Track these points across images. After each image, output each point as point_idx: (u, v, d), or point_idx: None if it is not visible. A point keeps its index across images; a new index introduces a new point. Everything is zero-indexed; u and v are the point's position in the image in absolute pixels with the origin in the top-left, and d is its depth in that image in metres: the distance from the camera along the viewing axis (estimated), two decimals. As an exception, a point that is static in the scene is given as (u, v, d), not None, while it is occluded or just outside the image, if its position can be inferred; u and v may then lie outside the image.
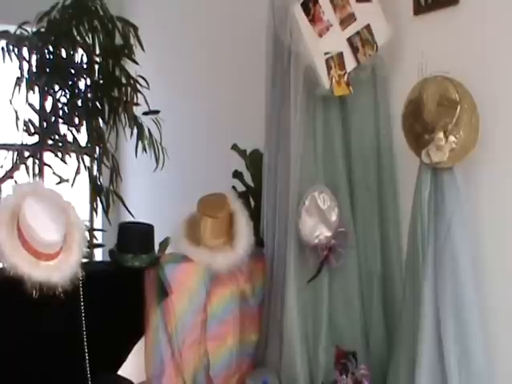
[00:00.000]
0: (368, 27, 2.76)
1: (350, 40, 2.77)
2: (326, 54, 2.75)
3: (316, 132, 2.86)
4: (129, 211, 4.51)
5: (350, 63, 2.77)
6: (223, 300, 2.83)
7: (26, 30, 4.33)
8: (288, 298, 2.75)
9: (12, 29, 4.33)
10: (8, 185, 4.34)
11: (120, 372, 2.74)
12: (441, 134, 2.30)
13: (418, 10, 2.67)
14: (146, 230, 2.87)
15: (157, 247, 2.91)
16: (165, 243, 3.06)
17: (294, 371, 2.72)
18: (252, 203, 3.33)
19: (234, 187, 3.36)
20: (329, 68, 2.75)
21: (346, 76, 2.76)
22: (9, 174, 4.37)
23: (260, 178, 3.12)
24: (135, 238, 2.80)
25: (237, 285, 2.87)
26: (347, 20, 2.76)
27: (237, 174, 3.49)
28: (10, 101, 4.23)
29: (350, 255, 2.77)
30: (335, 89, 2.76)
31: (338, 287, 2.79)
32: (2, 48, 4.22)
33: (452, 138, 2.30)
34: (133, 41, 4.40)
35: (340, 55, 2.76)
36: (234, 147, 3.50)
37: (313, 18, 2.74)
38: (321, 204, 2.73)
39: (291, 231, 2.80)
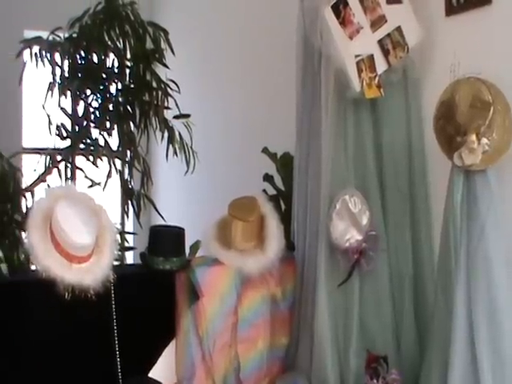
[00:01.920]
0: (399, 29, 2.74)
1: (380, 42, 2.75)
2: (356, 56, 2.74)
3: (347, 134, 2.85)
4: (160, 214, 4.53)
5: (380, 66, 2.75)
6: (254, 303, 2.83)
7: (59, 36, 4.37)
8: (319, 302, 2.74)
9: (45, 35, 4.38)
10: (41, 188, 4.38)
11: (150, 374, 2.75)
12: (473, 137, 2.27)
13: (450, 10, 2.64)
14: (177, 233, 2.87)
15: (188, 250, 2.92)
16: (195, 246, 3.07)
17: (324, 374, 2.70)
18: (283, 206, 3.32)
19: (264, 190, 3.36)
20: (359, 71, 2.73)
21: (376, 78, 2.74)
22: (41, 178, 4.41)
23: (291, 181, 3.11)
24: (166, 241, 2.81)
25: (267, 288, 2.87)
26: (378, 22, 2.74)
27: (267, 178, 3.49)
28: (43, 105, 4.28)
29: (381, 259, 2.75)
30: (366, 91, 2.74)
31: (369, 291, 2.77)
32: (35, 54, 4.27)
33: (485, 141, 2.27)
34: (163, 45, 4.43)
35: (371, 58, 2.75)
36: (265, 150, 3.50)
37: (343, 21, 2.73)
38: (352, 207, 2.72)
39: (322, 234, 2.79)
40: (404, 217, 2.79)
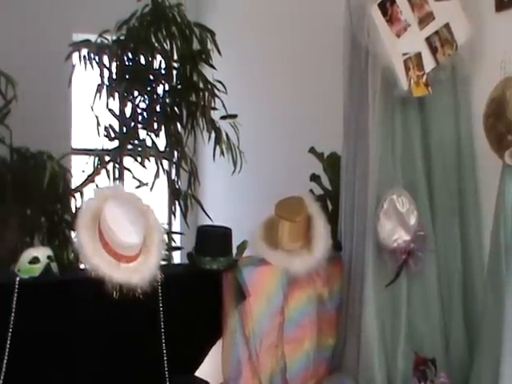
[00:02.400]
0: (447, 26, 2.71)
1: (428, 40, 2.72)
2: (404, 54, 2.71)
3: (395, 133, 2.82)
4: (207, 214, 4.55)
5: (428, 63, 2.72)
6: (300, 303, 2.82)
7: (106, 39, 4.43)
8: (366, 302, 2.72)
9: (93, 38, 4.44)
10: (90, 189, 4.44)
11: (197, 373, 2.76)
12: (525, 135, 2.23)
13: (501, 6, 2.60)
14: (224, 233, 2.88)
15: (234, 250, 2.92)
16: (242, 246, 3.07)
17: (371, 375, 2.68)
18: (329, 206, 3.30)
19: (311, 190, 3.34)
20: (407, 69, 2.70)
21: (424, 77, 2.71)
22: (90, 179, 4.48)
23: (338, 180, 3.09)
24: (213, 240, 2.82)
25: (314, 288, 2.86)
26: (426, 19, 2.71)
27: (314, 177, 3.47)
28: (91, 107, 4.33)
29: (430, 259, 2.72)
30: (414, 90, 2.71)
31: (417, 291, 2.74)
32: (84, 56, 4.33)
33: (537, 139, 2.22)
34: (210, 46, 4.45)
35: (418, 55, 2.71)
36: (312, 150, 3.49)
37: (390, 19, 2.71)
38: (399, 207, 2.69)
39: (369, 235, 2.77)
40: (453, 215, 2.75)
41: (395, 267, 2.70)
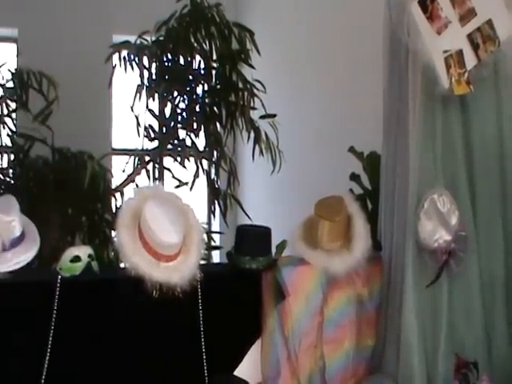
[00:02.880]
0: (489, 22, 2.66)
1: (470, 36, 2.68)
2: (444, 52, 2.67)
3: (435, 132, 2.79)
4: (246, 214, 4.56)
5: (470, 61, 2.68)
6: (340, 303, 2.81)
7: (146, 40, 4.47)
8: (406, 302, 2.69)
9: (132, 39, 4.48)
10: (130, 188, 4.49)
11: (236, 372, 2.76)
12: None
13: (545, 1, 2.55)
14: (264, 233, 2.88)
15: (274, 250, 2.92)
16: (282, 246, 3.06)
17: (411, 376, 2.65)
18: (369, 206, 3.28)
19: (351, 190, 3.32)
20: (448, 66, 2.67)
21: (466, 74, 2.67)
22: (130, 178, 4.52)
23: (377, 180, 3.07)
24: (253, 240, 2.82)
25: (354, 288, 2.84)
26: (467, 16, 2.67)
27: (354, 177, 3.45)
28: (131, 108, 4.37)
29: (471, 260, 2.68)
30: (455, 88, 2.68)
31: (458, 293, 2.70)
32: (124, 57, 4.38)
33: None
34: (249, 45, 4.46)
35: (459, 53, 2.68)
36: (351, 149, 3.47)
37: (430, 16, 2.67)
38: (440, 207, 2.66)
39: (409, 234, 2.74)
40: (495, 215, 2.71)
41: (436, 268, 2.67)
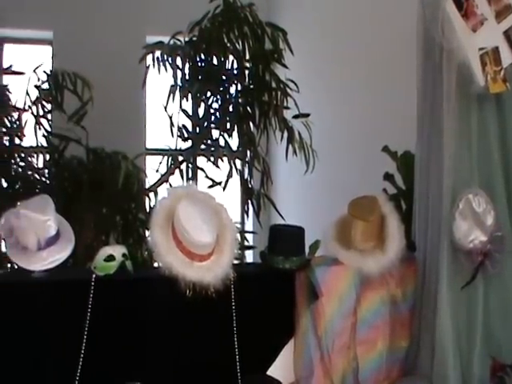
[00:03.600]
0: (527, 18, 2.63)
1: (506, 33, 2.64)
2: (480, 49, 2.64)
3: (471, 132, 2.76)
4: (279, 214, 4.56)
5: (506, 58, 2.65)
6: (373, 304, 2.79)
7: (179, 40, 4.49)
8: (440, 303, 2.66)
9: (166, 39, 4.51)
10: (163, 188, 4.51)
11: (269, 372, 2.76)
12: None
13: None
14: (297, 233, 2.87)
15: (307, 250, 2.91)
16: (315, 246, 3.06)
17: (446, 378, 2.62)
18: (403, 206, 3.26)
19: (384, 190, 3.30)
20: (483, 64, 2.64)
21: (502, 72, 2.64)
22: (164, 178, 4.55)
23: (411, 179, 3.04)
24: (286, 240, 2.81)
25: (387, 289, 2.82)
26: (503, 12, 2.63)
27: (388, 176, 3.43)
28: (165, 108, 4.40)
29: (508, 261, 2.65)
30: (491, 86, 2.64)
31: (495, 294, 2.67)
32: (157, 58, 4.40)
33: None
34: (282, 45, 4.45)
35: (495, 50, 2.64)
36: (385, 149, 3.45)
37: (465, 13, 2.64)
38: (476, 207, 2.62)
39: (444, 235, 2.71)
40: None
41: (471, 269, 2.64)
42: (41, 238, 2.52)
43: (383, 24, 4.30)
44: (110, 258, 2.54)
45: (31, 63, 4.75)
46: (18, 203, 2.62)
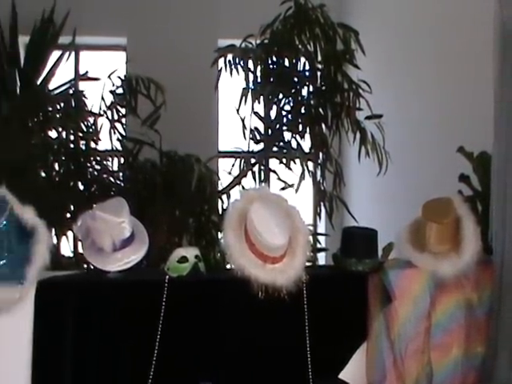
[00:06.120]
0: None
1: None
2: (560, 47, 2.57)
3: (549, 132, 2.68)
4: (352, 216, 4.53)
5: None
6: (448, 308, 2.73)
7: (251, 43, 4.52)
8: (520, 310, 2.60)
9: (237, 43, 4.54)
10: (236, 191, 4.54)
11: (340, 376, 2.74)
12: None
13: None
14: (370, 235, 2.85)
15: (380, 252, 2.88)
16: (388, 248, 3.02)
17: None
18: (479, 208, 3.19)
19: (460, 191, 3.24)
20: None
21: None
22: (236, 180, 4.58)
23: (488, 181, 2.98)
24: (359, 242, 2.80)
25: (463, 293, 2.76)
26: None
27: (463, 178, 3.36)
28: (237, 110, 4.43)
29: None
30: None
31: None
32: (229, 61, 4.44)
33: None
34: (354, 46, 4.43)
35: None
36: (461, 150, 3.38)
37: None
38: (554, 208, 2.55)
39: (522, 238, 2.64)
40: None
41: (550, 271, 2.56)
42: (116, 239, 2.57)
43: (457, 23, 4.23)
44: (183, 259, 2.57)
45: (106, 69, 4.86)
46: (94, 205, 2.68)
